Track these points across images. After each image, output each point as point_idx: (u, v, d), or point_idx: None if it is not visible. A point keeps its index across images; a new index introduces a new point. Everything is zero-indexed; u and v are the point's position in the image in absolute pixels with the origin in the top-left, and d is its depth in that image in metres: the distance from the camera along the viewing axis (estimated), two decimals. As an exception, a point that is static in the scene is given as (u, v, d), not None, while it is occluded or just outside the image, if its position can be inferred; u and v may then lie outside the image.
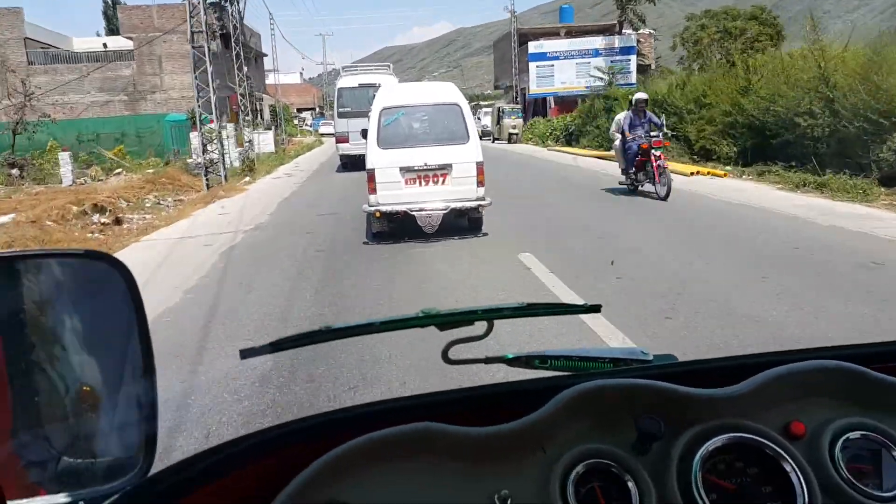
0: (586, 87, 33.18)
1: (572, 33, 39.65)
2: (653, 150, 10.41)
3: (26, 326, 0.82)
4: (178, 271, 7.22)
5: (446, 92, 8.65)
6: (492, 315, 1.06)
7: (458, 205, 7.92)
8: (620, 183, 11.69)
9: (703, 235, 8.02)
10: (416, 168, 7.90)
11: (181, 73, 28.85)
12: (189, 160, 19.85)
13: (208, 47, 17.32)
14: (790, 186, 11.58)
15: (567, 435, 0.84)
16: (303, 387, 3.74)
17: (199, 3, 17.33)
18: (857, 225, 7.99)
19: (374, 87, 15.01)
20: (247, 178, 18.73)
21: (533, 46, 36.65)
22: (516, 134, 31.52)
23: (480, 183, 7.95)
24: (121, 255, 4.69)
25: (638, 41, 36.33)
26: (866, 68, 11.50)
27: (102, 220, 11.28)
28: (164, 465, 0.81)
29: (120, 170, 20.58)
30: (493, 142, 32.19)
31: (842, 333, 4.23)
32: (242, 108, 24.58)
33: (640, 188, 11.18)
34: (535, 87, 36.76)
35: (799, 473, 0.80)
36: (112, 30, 42.09)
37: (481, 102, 52.74)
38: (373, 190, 7.90)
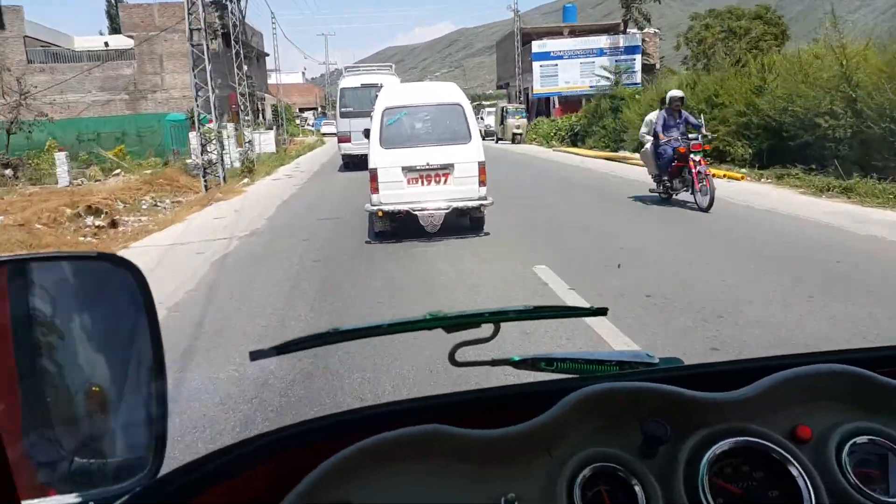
0: (590, 86, 32.85)
1: (576, 33, 39.52)
2: (692, 155, 9.44)
3: (37, 328, 0.83)
4: (165, 284, 6.48)
5: (448, 92, 8.68)
6: (498, 318, 1.06)
7: (460, 204, 7.94)
8: (651, 190, 10.57)
9: (741, 248, 7.32)
10: (418, 168, 7.92)
11: (182, 73, 28.75)
12: (188, 161, 19.56)
13: (207, 45, 17.16)
14: (813, 191, 10.93)
15: (574, 438, 0.84)
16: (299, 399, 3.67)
17: (197, 0, 17.23)
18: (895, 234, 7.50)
19: (377, 87, 15.02)
20: (245, 180, 18.36)
21: (536, 46, 36.39)
22: (520, 134, 31.42)
23: (482, 183, 7.97)
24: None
25: (643, 40, 36.18)
26: (893, 66, 10.91)
27: (97, 222, 10.86)
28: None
29: (118, 170, 20.38)
30: (496, 142, 32.16)
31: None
32: (242, 107, 24.49)
33: (674, 196, 10.14)
34: (538, 87, 36.48)
35: (806, 478, 0.80)
36: (115, 29, 42.03)
37: (484, 102, 52.70)
38: (375, 189, 7.92)
